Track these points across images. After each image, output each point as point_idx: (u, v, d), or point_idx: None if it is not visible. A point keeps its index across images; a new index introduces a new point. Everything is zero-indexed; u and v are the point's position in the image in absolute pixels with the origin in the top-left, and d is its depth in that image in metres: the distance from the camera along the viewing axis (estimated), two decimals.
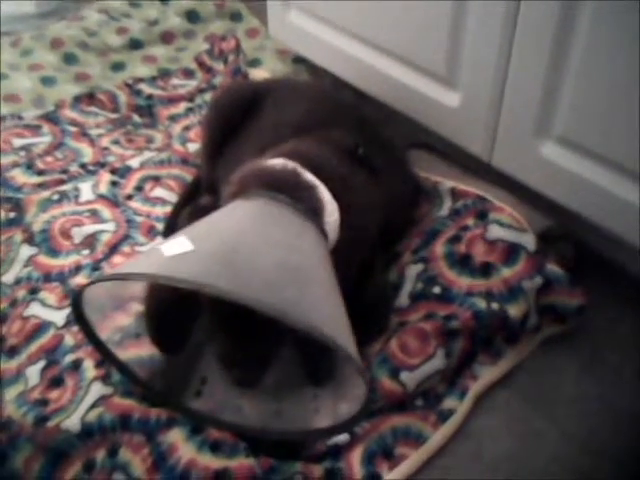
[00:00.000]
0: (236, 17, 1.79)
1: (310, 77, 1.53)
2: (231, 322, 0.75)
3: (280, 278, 0.68)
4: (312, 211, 0.79)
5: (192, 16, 1.77)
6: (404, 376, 0.87)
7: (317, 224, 0.79)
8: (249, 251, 0.70)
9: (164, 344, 0.87)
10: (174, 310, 0.84)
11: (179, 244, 0.70)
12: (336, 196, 0.83)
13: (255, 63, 1.61)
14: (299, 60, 1.57)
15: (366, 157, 0.95)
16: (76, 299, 0.77)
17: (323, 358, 0.81)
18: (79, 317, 0.79)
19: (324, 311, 0.69)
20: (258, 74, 1.51)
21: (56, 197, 1.17)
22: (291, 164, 0.83)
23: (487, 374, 0.92)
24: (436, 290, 0.95)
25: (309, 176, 0.82)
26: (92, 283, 0.75)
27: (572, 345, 0.97)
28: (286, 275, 0.69)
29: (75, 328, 0.93)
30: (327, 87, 1.28)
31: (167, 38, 1.73)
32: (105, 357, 0.84)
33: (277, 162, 0.83)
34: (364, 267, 0.92)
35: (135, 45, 1.70)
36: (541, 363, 0.95)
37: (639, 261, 1.03)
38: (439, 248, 1.00)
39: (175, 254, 0.68)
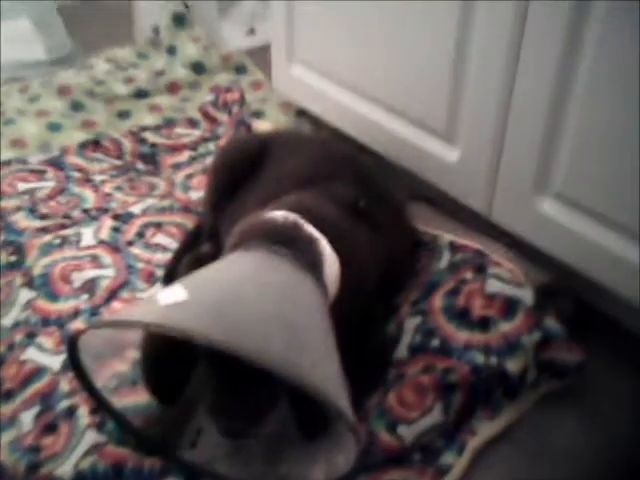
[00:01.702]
0: (241, 70, 1.83)
1: (312, 129, 1.55)
2: (222, 372, 0.75)
3: (273, 330, 0.69)
4: (312, 264, 0.79)
5: (198, 68, 1.81)
6: (401, 430, 0.86)
7: (316, 277, 0.79)
8: (244, 302, 0.71)
9: (159, 392, 0.86)
10: (170, 358, 0.84)
11: (175, 293, 0.70)
12: (336, 249, 0.84)
13: (258, 115, 1.64)
14: (302, 113, 1.59)
15: (366, 210, 0.96)
16: (71, 345, 0.77)
17: (316, 412, 0.80)
18: (74, 363, 0.79)
19: (316, 365, 0.69)
20: (261, 125, 1.53)
21: (57, 241, 1.18)
22: (292, 216, 0.84)
23: (486, 429, 0.91)
24: (435, 343, 0.95)
25: (310, 229, 0.83)
26: (86, 330, 0.75)
27: (571, 401, 0.96)
28: (279, 327, 0.69)
29: (71, 374, 0.93)
30: (329, 139, 1.30)
31: (173, 88, 1.77)
32: (99, 405, 0.83)
33: (278, 214, 0.84)
34: (364, 319, 0.92)
35: (141, 94, 1.73)
36: (540, 418, 0.94)
37: (638, 318, 1.03)
38: (438, 301, 1.00)
39: (170, 303, 0.69)
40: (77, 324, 1.01)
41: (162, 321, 0.66)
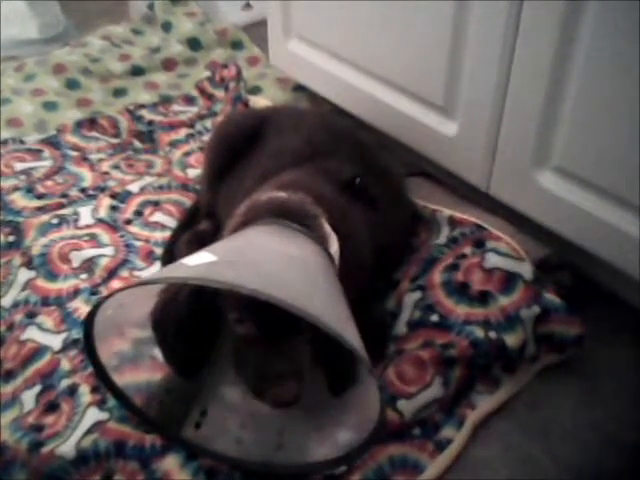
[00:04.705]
0: (237, 45, 1.81)
1: (310, 105, 1.54)
2: (270, 334, 0.73)
3: (310, 289, 0.69)
4: (321, 239, 0.79)
5: (194, 44, 1.79)
6: (401, 404, 0.86)
7: (327, 251, 0.79)
8: (273, 264, 0.71)
9: (180, 364, 0.84)
10: (190, 330, 0.81)
11: (202, 257, 0.70)
12: (335, 228, 0.83)
13: (256, 91, 1.62)
14: (299, 88, 1.58)
15: (364, 188, 0.96)
16: (92, 312, 0.75)
17: (345, 370, 0.78)
18: (88, 329, 0.77)
19: (345, 324, 0.70)
20: (258, 102, 1.52)
21: (55, 221, 1.18)
22: (296, 195, 0.83)
23: (485, 403, 0.91)
24: (434, 318, 0.95)
25: (313, 207, 0.83)
26: (117, 292, 0.72)
27: (570, 375, 0.96)
28: (311, 287, 0.70)
29: (71, 353, 0.93)
30: (327, 115, 1.29)
31: (169, 65, 1.75)
32: (102, 382, 0.83)
33: (283, 194, 0.84)
34: (362, 296, 0.92)
35: (137, 72, 1.72)
36: (539, 393, 0.94)
37: (637, 291, 1.03)
38: (437, 276, 1.00)
39: (203, 262, 0.69)
40: (77, 303, 1.02)
41: (207, 276, 0.65)
